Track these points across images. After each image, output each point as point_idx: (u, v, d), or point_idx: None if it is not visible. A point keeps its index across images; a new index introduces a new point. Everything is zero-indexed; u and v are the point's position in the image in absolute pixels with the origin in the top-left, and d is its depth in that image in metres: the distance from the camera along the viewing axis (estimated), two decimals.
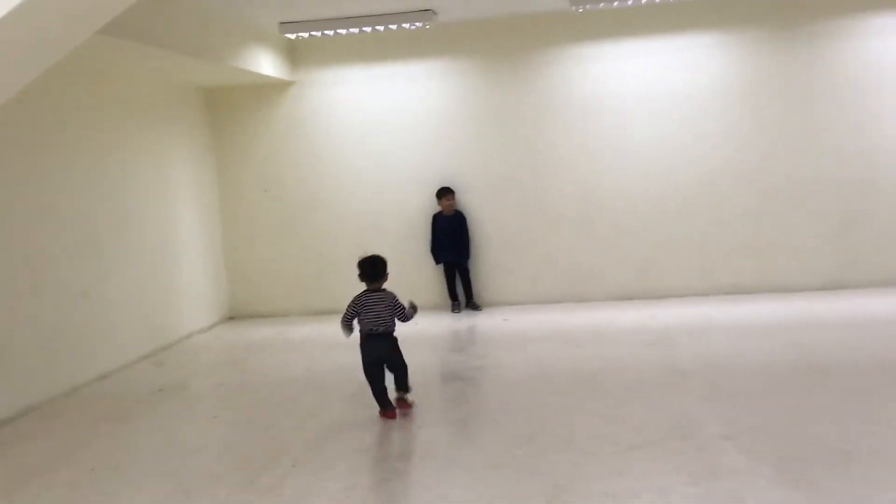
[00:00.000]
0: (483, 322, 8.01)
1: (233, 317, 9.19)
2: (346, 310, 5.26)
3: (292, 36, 8.01)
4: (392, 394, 5.28)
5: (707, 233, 8.33)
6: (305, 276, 9.04)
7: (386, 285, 5.36)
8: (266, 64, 8.10)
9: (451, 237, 8.49)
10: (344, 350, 7.14)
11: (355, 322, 5.26)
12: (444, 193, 8.45)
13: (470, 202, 8.63)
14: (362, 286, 5.32)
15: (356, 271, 5.32)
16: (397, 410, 5.21)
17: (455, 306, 8.60)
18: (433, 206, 8.62)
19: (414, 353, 6.00)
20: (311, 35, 8.01)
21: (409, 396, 5.34)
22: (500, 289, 8.71)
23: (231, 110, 8.95)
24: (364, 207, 8.84)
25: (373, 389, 5.20)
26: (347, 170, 8.84)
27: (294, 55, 8.76)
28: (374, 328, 5.17)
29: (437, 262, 8.64)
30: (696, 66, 8.19)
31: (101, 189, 6.84)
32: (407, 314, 5.27)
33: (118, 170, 7.11)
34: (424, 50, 8.57)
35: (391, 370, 5.30)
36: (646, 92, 8.27)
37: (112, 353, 6.84)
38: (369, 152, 8.77)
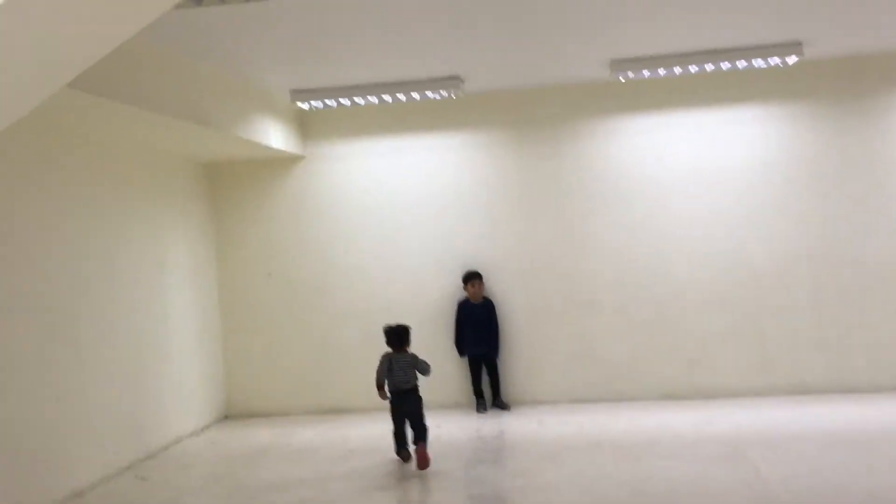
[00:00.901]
0: (513, 425, 7.03)
1: (228, 416, 8.19)
2: (379, 370, 6.11)
3: (305, 105, 7.29)
4: (410, 445, 6.02)
5: (764, 323, 7.44)
6: (310, 370, 8.09)
7: None
8: (275, 136, 7.36)
9: (478, 327, 7.61)
10: (359, 458, 6.17)
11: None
12: (472, 278, 7.60)
13: (496, 288, 7.77)
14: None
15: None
16: (413, 458, 5.89)
17: (481, 405, 7.63)
18: (455, 293, 7.76)
19: (438, 465, 5.87)
20: (325, 105, 7.30)
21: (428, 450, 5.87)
22: (530, 385, 7.76)
23: (233, 186, 8.18)
24: (378, 294, 7.96)
25: (394, 433, 6.13)
26: (360, 252, 8.01)
27: (305, 126, 8.04)
28: (402, 385, 6.07)
29: (463, 354, 7.72)
30: (749, 139, 7.46)
31: (82, 272, 5.97)
32: (426, 369, 6.13)
33: (102, 250, 6.25)
34: (448, 120, 7.86)
35: (412, 425, 6.03)
36: (693, 167, 7.52)
37: (88, 465, 5.84)
38: (385, 233, 7.96)
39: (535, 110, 7.75)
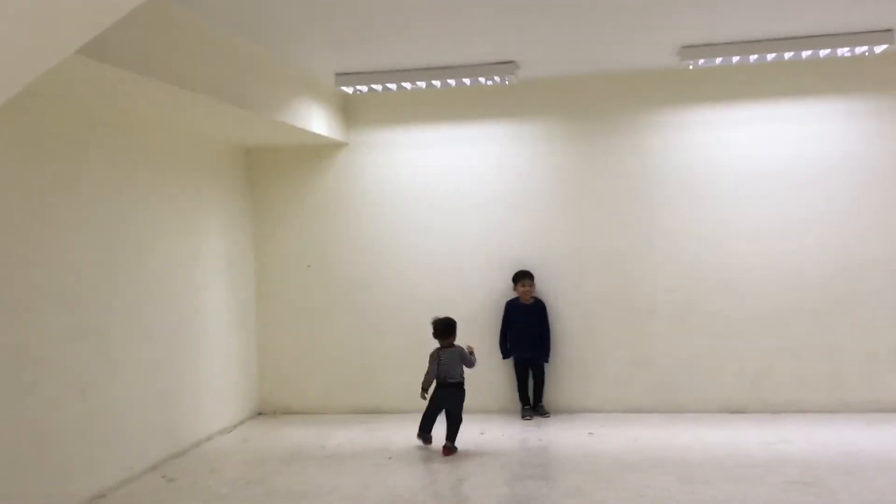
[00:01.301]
0: (562, 435, 6.56)
1: (262, 412, 7.85)
2: (429, 370, 6.26)
3: (349, 89, 6.89)
4: (436, 441, 6.28)
5: (838, 337, 6.87)
6: (348, 369, 7.71)
7: None
8: (318, 121, 6.97)
9: (528, 329, 7.16)
10: (399, 468, 5.77)
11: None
12: (522, 278, 7.15)
13: (548, 287, 7.30)
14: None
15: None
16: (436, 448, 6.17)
17: (527, 412, 7.19)
18: (505, 291, 7.32)
19: (479, 476, 5.58)
20: (370, 89, 6.89)
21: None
22: (580, 392, 7.29)
23: (273, 173, 7.82)
24: (423, 290, 7.55)
25: (425, 416, 6.33)
26: (404, 247, 7.60)
27: (349, 112, 7.65)
28: (449, 379, 6.23)
29: (506, 356, 7.29)
30: (830, 136, 6.88)
31: (113, 263, 5.64)
32: (472, 361, 6.32)
33: (134, 240, 5.92)
34: (501, 109, 7.40)
35: (450, 418, 6.21)
36: (764, 165, 6.96)
37: (112, 465, 5.52)
38: (431, 226, 7.53)
39: (594, 100, 7.26)
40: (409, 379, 7.37)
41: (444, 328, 6.35)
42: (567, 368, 7.31)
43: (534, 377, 7.26)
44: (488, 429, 6.81)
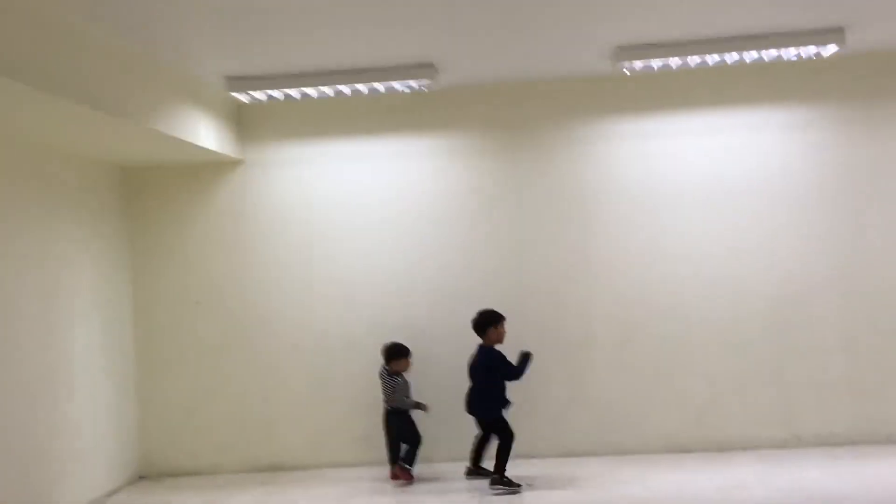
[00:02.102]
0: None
1: (144, 475, 6.70)
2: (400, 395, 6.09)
3: (243, 97, 5.98)
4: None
5: (787, 365, 6.34)
6: (247, 419, 6.68)
7: None
8: (206, 133, 6.02)
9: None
10: None
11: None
12: (500, 320, 5.96)
13: (463, 321, 6.50)
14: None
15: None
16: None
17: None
18: (423, 326, 6.49)
19: None
20: (268, 96, 6.00)
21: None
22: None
23: (156, 196, 6.77)
24: (331, 328, 6.63)
25: (417, 446, 6.12)
26: (310, 278, 6.67)
27: (244, 124, 6.71)
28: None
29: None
30: (776, 149, 6.40)
31: None
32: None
33: None
34: (419, 120, 6.63)
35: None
36: (707, 181, 6.43)
37: None
38: (338, 256, 6.65)
39: (521, 109, 6.58)
40: (315, 429, 6.48)
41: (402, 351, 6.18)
42: None
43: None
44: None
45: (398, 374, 6.11)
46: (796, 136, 6.39)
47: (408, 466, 6.03)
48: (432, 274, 6.58)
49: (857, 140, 6.35)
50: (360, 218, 6.64)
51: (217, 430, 6.68)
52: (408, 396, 6.14)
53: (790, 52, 5.65)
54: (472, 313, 6.00)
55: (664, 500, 5.22)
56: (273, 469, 6.60)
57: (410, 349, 6.19)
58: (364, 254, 6.63)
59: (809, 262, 6.35)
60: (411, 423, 6.13)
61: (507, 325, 5.93)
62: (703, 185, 6.42)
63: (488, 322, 5.83)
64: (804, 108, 6.39)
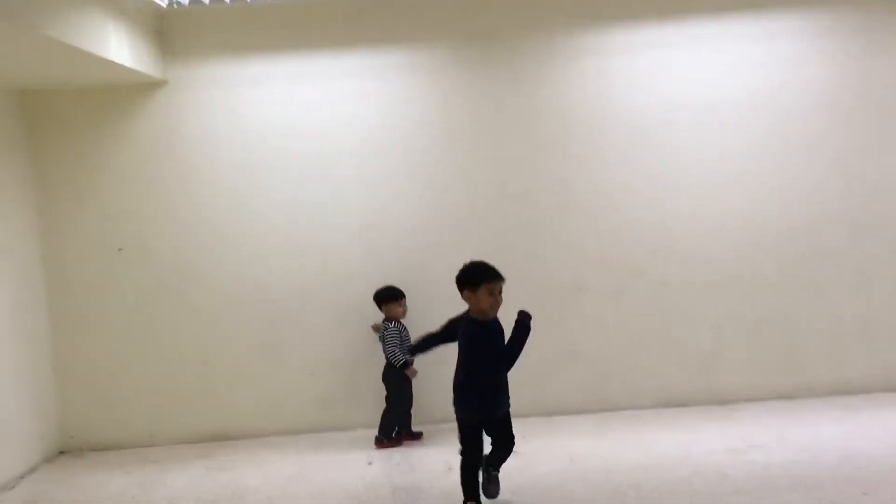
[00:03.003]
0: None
1: (64, 451, 5.80)
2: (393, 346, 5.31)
3: (163, 1, 4.91)
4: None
5: (798, 307, 5.68)
6: (183, 383, 5.79)
7: None
8: (118, 46, 4.93)
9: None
10: None
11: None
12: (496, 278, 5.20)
13: (441, 266, 5.65)
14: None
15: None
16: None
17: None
18: (384, 277, 5.62)
19: None
20: (193, 0, 4.94)
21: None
22: None
23: (63, 126, 5.70)
24: (278, 277, 5.74)
25: (403, 409, 5.37)
26: (252, 219, 5.73)
27: (167, 38, 5.62)
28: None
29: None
30: (787, 60, 5.60)
31: None
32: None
33: None
34: (371, 33, 5.63)
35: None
36: (711, 100, 5.62)
37: None
38: (283, 195, 5.70)
39: (495, 17, 5.62)
40: (264, 392, 5.66)
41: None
42: None
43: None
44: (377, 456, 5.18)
45: (392, 320, 5.37)
46: (810, 45, 5.60)
47: (381, 438, 5.31)
48: (396, 216, 5.70)
49: (879, 50, 5.57)
50: (310, 150, 5.68)
51: (149, 396, 5.79)
52: (400, 346, 5.30)
53: None
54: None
55: (670, 467, 4.52)
56: (217, 439, 5.76)
57: (403, 292, 5.43)
58: (314, 192, 5.70)
59: (824, 188, 5.65)
60: (400, 381, 5.35)
61: None
62: (705, 104, 5.61)
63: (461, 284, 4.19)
64: (820, 12, 5.58)
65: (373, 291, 5.54)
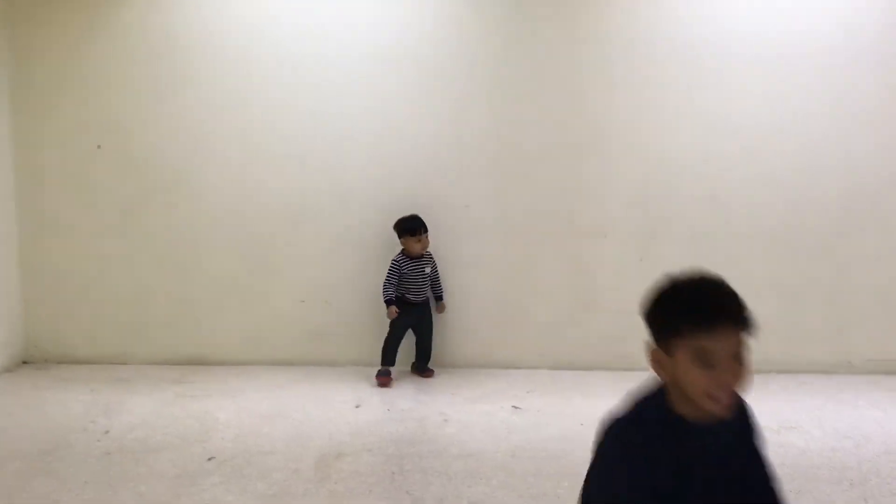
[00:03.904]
0: (474, 407, 4.48)
1: (29, 361, 5.34)
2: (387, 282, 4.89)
3: None
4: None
5: (847, 277, 5.07)
6: (157, 301, 5.28)
7: None
8: None
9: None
10: (222, 479, 3.46)
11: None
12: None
13: (455, 202, 5.07)
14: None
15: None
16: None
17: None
18: (392, 200, 5.04)
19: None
20: None
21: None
22: (501, 344, 5.21)
23: (39, 14, 5.06)
24: (269, 190, 5.17)
25: (390, 342, 4.93)
26: (245, 129, 5.13)
27: None
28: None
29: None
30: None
31: None
32: None
33: None
34: None
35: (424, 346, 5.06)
36: (755, 37, 4.90)
37: None
38: (288, 101, 5.10)
39: None
40: (250, 318, 5.17)
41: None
42: (481, 311, 5.19)
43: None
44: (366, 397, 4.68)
45: (406, 254, 4.90)
46: None
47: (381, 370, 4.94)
48: (408, 136, 5.08)
49: None
50: (326, 51, 5.04)
51: (122, 310, 5.29)
52: (402, 282, 4.88)
53: None
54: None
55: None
56: (193, 363, 5.28)
57: (423, 224, 4.90)
58: (325, 100, 5.08)
59: (888, 149, 4.96)
60: (400, 314, 4.90)
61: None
62: (760, 36, 4.89)
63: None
64: None
65: (378, 217, 5.00)
